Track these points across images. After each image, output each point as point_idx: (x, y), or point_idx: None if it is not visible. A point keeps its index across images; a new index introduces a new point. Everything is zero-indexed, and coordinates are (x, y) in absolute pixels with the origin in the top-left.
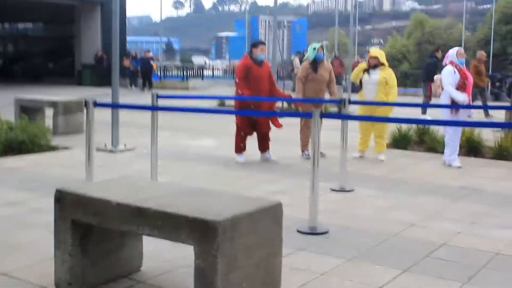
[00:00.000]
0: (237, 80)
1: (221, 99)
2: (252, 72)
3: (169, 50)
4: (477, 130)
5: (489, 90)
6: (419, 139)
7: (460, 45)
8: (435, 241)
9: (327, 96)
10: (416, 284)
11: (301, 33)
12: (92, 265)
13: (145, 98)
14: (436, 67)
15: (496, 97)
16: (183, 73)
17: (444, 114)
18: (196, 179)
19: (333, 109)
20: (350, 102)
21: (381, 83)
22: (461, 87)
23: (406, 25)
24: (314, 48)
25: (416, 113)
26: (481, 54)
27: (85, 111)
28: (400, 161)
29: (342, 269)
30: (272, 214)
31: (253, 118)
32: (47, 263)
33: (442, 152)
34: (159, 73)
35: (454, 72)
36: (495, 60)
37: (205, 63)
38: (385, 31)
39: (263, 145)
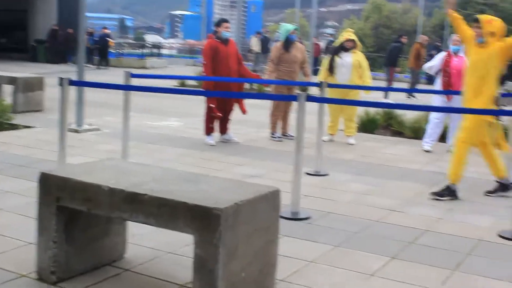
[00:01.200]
0: (204, 62)
1: (196, 79)
2: (219, 52)
3: (122, 28)
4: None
5: None
6: (386, 123)
7: (416, 30)
8: (418, 227)
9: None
10: (406, 272)
11: (256, 13)
12: (77, 252)
13: (102, 75)
14: (400, 52)
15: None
16: (141, 51)
17: (436, 101)
18: (169, 162)
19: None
20: (329, 85)
21: (355, 66)
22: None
23: (361, 8)
24: (287, 30)
25: (378, 97)
26: (423, 38)
27: (49, 89)
28: (370, 145)
29: (331, 256)
30: (270, 200)
31: (224, 100)
32: (24, 249)
33: (409, 137)
34: (115, 51)
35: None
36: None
37: (159, 41)
38: (340, 13)
39: (225, 126)
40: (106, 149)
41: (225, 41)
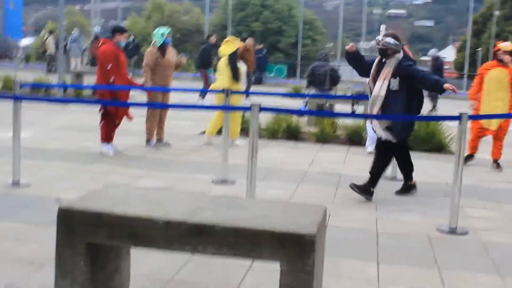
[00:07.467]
0: (108, 67)
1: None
2: (120, 58)
3: None
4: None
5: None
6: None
7: (200, 29)
8: (363, 228)
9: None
10: (398, 274)
11: (15, 10)
12: None
13: None
14: (210, 53)
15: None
16: None
17: None
18: (66, 179)
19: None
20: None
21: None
22: None
23: (130, 6)
24: (162, 34)
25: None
26: (250, 40)
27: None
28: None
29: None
30: (324, 220)
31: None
32: None
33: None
34: None
35: None
36: None
37: None
38: (106, 12)
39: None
40: None
41: (121, 49)
